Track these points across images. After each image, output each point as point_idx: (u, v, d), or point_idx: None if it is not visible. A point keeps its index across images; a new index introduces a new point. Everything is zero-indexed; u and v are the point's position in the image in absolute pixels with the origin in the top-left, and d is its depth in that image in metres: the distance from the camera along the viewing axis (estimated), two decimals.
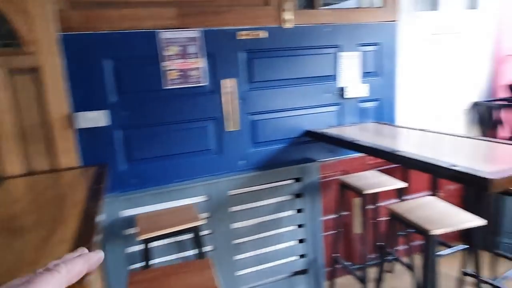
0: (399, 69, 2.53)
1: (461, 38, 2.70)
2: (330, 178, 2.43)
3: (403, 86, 2.57)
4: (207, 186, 2.11)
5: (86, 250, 0.34)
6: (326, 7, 2.34)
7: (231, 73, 2.11)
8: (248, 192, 2.22)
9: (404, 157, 1.53)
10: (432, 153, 1.70)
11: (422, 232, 1.51)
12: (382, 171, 2.42)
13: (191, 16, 1.99)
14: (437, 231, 1.45)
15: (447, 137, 1.90)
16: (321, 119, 2.39)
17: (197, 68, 2.05)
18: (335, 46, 2.34)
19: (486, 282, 2.08)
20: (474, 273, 1.73)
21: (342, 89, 2.39)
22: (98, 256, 0.34)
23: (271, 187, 2.28)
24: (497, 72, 2.87)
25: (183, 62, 2.02)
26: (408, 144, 2.01)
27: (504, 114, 2.76)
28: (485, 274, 2.36)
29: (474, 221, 1.50)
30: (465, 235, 1.63)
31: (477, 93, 2.82)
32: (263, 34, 2.15)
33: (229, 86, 2.12)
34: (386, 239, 1.97)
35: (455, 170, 1.31)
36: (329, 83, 2.37)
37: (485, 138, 1.79)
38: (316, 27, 2.26)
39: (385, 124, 2.43)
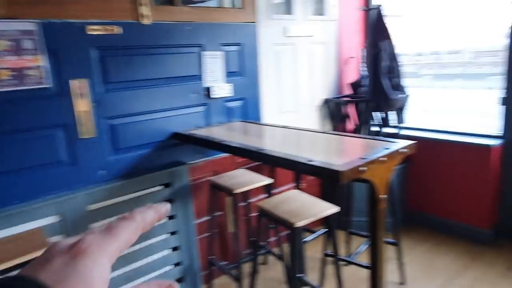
0: (262, 69, 2.64)
1: (313, 41, 2.97)
2: (201, 180, 2.39)
3: (266, 85, 2.69)
4: (59, 203, 1.82)
5: (153, 204, 0.35)
6: (187, 4, 2.27)
7: (81, 72, 1.86)
8: (112, 204, 2.01)
9: (268, 155, 1.58)
10: (292, 150, 1.81)
11: (287, 225, 1.58)
12: (251, 168, 2.49)
13: (22, 4, 1.67)
14: (300, 223, 1.54)
15: (305, 133, 2.06)
16: (188, 120, 2.32)
17: (37, 67, 1.74)
18: (198, 45, 2.30)
19: (343, 260, 2.34)
20: (333, 253, 1.92)
21: (208, 89, 2.36)
22: (166, 207, 0.35)
23: (138, 196, 2.11)
24: (342, 72, 3.26)
25: (16, 59, 1.69)
26: (272, 142, 2.11)
27: (349, 109, 3.16)
28: (343, 252, 2.67)
29: (330, 209, 1.65)
30: (325, 220, 1.78)
31: (327, 91, 3.15)
32: (118, 30, 1.96)
33: (80, 87, 1.86)
34: (258, 234, 2.03)
35: (311, 165, 1.41)
36: (195, 83, 2.31)
37: (336, 132, 2.00)
38: (177, 24, 2.17)
39: (251, 122, 2.50)
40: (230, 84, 2.46)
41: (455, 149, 2.84)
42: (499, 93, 2.65)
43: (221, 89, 2.42)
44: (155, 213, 0.34)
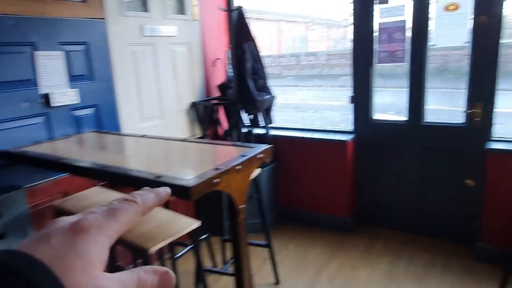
0: (117, 72, 2.36)
1: (175, 41, 2.80)
2: (45, 205, 2.00)
3: (123, 90, 2.41)
4: None
5: (150, 189, 0.33)
6: None
7: None
8: None
9: (110, 173, 1.36)
10: (145, 163, 1.62)
11: (141, 252, 1.39)
12: (109, 185, 2.20)
13: None
14: (154, 248, 1.36)
15: (163, 142, 1.88)
16: (22, 135, 1.91)
17: None
18: (29, 44, 1.91)
19: (210, 271, 2.24)
20: (197, 267, 1.80)
21: (46, 96, 1.99)
22: (166, 191, 0.34)
23: None
24: (209, 74, 3.17)
25: None
26: (126, 155, 1.88)
27: (219, 112, 3.09)
28: (219, 260, 2.58)
29: (190, 225, 1.51)
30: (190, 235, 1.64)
31: (194, 94, 3.02)
32: None
33: None
34: (115, 260, 1.78)
35: (160, 182, 1.24)
36: (27, 89, 1.92)
37: (196, 139, 1.87)
38: None
39: (106, 133, 2.21)
40: (75, 89, 2.12)
41: (317, 146, 3.01)
42: (349, 92, 2.90)
43: (65, 95, 2.07)
44: (155, 196, 0.32)
